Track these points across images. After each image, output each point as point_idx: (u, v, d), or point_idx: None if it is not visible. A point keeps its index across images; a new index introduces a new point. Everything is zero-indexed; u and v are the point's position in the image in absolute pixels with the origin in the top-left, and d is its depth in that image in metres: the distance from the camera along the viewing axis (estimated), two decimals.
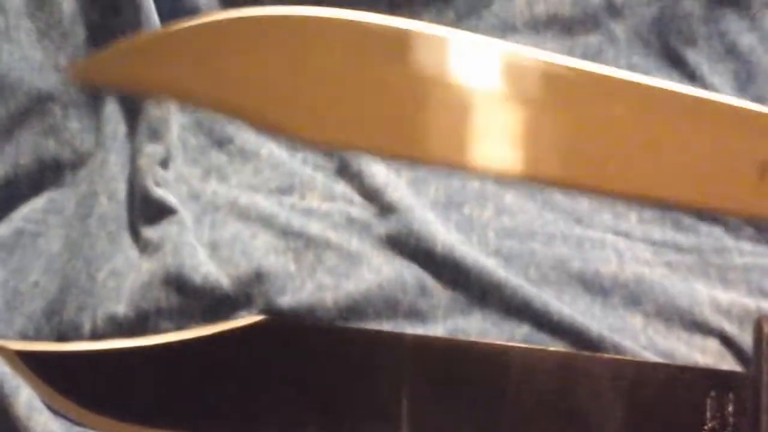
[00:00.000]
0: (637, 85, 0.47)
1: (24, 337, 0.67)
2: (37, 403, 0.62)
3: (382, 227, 0.68)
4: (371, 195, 0.70)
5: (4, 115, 0.74)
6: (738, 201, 0.46)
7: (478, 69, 0.47)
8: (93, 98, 0.77)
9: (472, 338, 0.64)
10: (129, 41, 0.49)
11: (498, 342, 0.63)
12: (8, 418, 0.63)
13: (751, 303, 0.67)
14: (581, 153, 0.47)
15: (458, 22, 0.82)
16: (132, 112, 0.77)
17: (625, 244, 0.68)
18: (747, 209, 0.46)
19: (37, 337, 0.67)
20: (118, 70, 0.48)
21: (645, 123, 0.47)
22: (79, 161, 0.75)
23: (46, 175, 0.75)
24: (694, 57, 0.80)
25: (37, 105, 0.75)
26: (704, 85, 0.79)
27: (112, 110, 0.76)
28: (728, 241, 0.68)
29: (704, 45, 0.80)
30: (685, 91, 0.47)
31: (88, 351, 0.64)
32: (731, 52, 0.80)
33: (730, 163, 0.46)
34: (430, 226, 0.67)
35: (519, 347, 0.62)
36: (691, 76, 0.79)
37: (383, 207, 0.69)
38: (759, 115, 0.46)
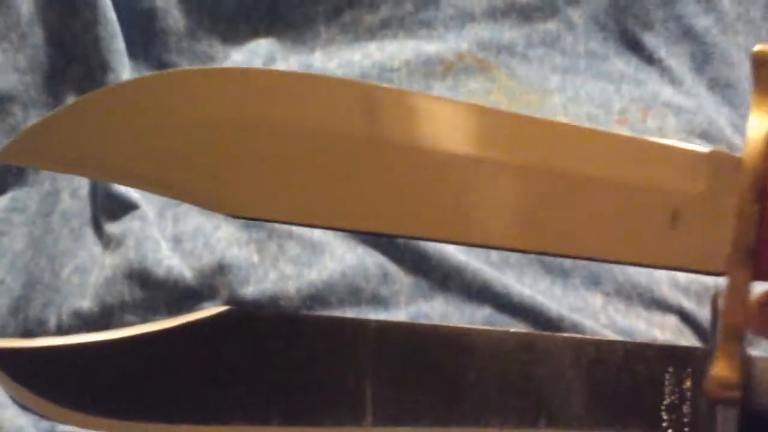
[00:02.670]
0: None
1: None
2: (3, 399, 0.62)
3: None
4: None
5: None
6: (648, 252, 0.44)
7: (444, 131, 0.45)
8: (53, 97, 0.77)
9: (434, 322, 0.64)
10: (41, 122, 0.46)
11: (459, 325, 0.63)
12: None
13: (709, 279, 0.67)
14: None
15: (416, 13, 0.82)
16: None
17: None
18: (658, 260, 0.44)
19: (3, 334, 0.67)
20: (41, 151, 0.45)
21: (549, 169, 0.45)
22: None
23: (9, 174, 0.75)
24: (651, 40, 0.80)
25: None
26: (662, 68, 0.80)
27: None
28: None
29: (661, 28, 0.81)
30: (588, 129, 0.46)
31: (53, 346, 0.64)
32: (688, 34, 0.81)
33: (639, 210, 0.44)
34: None
35: (480, 329, 0.62)
36: (649, 59, 0.80)
37: None
38: (670, 151, 0.44)
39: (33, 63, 0.77)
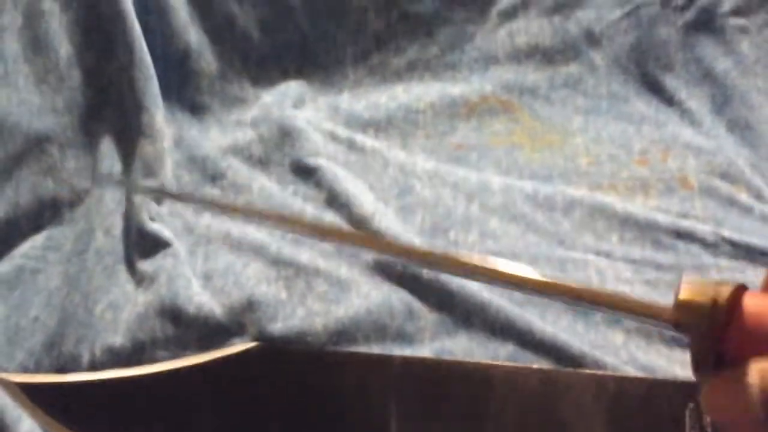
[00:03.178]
0: None
1: (25, 370, 0.69)
2: None
3: (369, 254, 0.70)
4: (359, 224, 0.72)
5: (3, 157, 0.77)
6: None
7: None
8: (89, 138, 0.79)
9: (458, 358, 0.65)
10: None
11: (483, 361, 0.64)
12: None
13: None
14: None
15: (441, 56, 0.84)
16: (127, 149, 0.80)
17: (606, 263, 0.70)
18: None
19: (38, 369, 0.69)
20: None
21: None
22: (76, 199, 0.78)
23: (45, 213, 0.77)
24: (671, 82, 0.82)
25: (35, 146, 0.78)
26: (682, 110, 0.81)
27: (107, 148, 0.79)
28: (706, 258, 0.70)
29: (681, 70, 0.82)
30: None
31: (86, 381, 0.66)
32: (708, 76, 0.82)
33: None
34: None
35: (503, 365, 0.64)
36: (669, 101, 0.82)
37: (371, 231, 0.71)
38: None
39: (70, 104, 0.79)
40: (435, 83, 0.84)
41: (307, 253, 0.71)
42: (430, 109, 0.81)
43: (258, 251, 0.72)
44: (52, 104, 0.78)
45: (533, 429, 0.61)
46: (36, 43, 0.80)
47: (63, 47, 0.80)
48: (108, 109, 0.81)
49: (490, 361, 0.64)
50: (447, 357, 0.66)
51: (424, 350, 0.66)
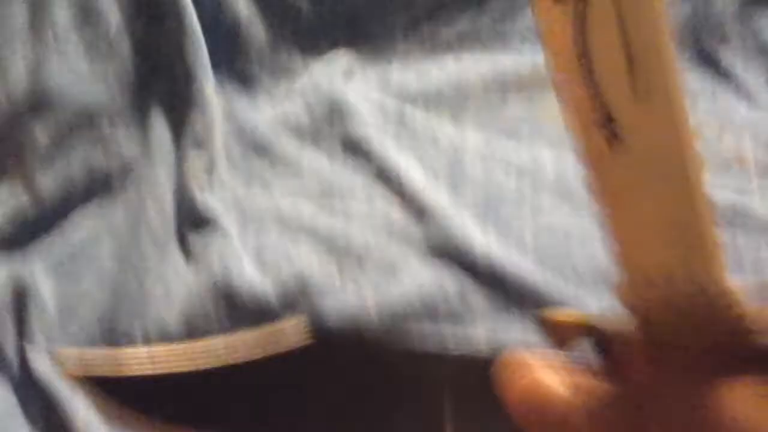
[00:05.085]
0: None
1: (77, 343, 0.69)
2: (94, 418, 0.64)
3: (420, 232, 0.70)
4: (409, 198, 0.72)
5: (53, 128, 0.76)
6: None
7: None
8: (138, 108, 0.79)
9: (513, 344, 0.65)
10: None
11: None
12: (66, 428, 0.65)
13: None
14: None
15: (493, 27, 0.83)
16: (177, 120, 0.79)
17: None
18: None
19: (90, 345, 0.69)
20: None
21: None
22: (127, 171, 0.77)
23: (97, 187, 0.77)
24: (727, 55, 0.80)
25: (85, 117, 0.78)
26: (737, 84, 0.79)
27: (157, 120, 0.78)
28: (763, 237, 0.69)
29: (737, 43, 0.80)
30: None
31: (145, 375, 0.66)
32: (764, 50, 0.80)
33: None
34: (467, 230, 0.69)
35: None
36: (725, 74, 0.80)
37: (421, 210, 0.71)
38: None
39: (120, 74, 0.79)
40: (486, 55, 0.82)
41: (358, 230, 0.71)
42: (481, 82, 0.80)
43: (309, 229, 0.71)
44: (102, 74, 0.78)
45: None
46: (86, 11, 0.79)
47: (113, 15, 0.79)
48: (157, 80, 0.80)
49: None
50: (502, 340, 0.65)
51: (478, 332, 0.66)
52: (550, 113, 0.78)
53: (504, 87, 0.81)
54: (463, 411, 0.63)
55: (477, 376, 0.63)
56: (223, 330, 0.68)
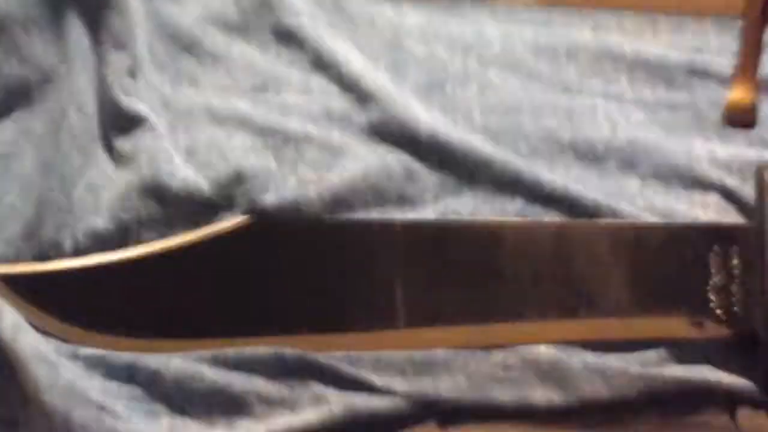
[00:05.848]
0: None
1: (4, 260, 0.64)
2: (23, 325, 0.60)
3: (362, 116, 0.66)
4: (349, 85, 0.67)
5: None
6: None
7: None
8: (53, 13, 0.73)
9: (464, 218, 0.61)
10: None
11: (490, 219, 0.60)
12: None
13: (752, 154, 0.64)
14: None
15: None
16: (94, 23, 0.74)
17: (616, 108, 0.66)
18: None
19: (17, 259, 0.64)
20: None
21: None
22: (45, 79, 0.72)
23: (14, 96, 0.72)
24: None
25: None
26: None
27: (73, 24, 0.73)
28: (723, 93, 0.65)
29: None
30: None
31: (71, 268, 0.62)
32: None
33: None
34: (411, 109, 0.65)
35: (512, 222, 0.60)
36: None
37: (362, 96, 0.67)
38: None
39: None
40: None
41: (296, 120, 0.66)
42: None
43: (243, 121, 0.67)
44: None
45: (548, 286, 0.58)
46: None
47: None
48: None
49: (498, 218, 0.60)
50: (452, 218, 0.62)
51: (427, 212, 0.63)
52: None
53: None
54: (414, 279, 0.60)
55: (427, 242, 0.60)
56: (157, 230, 0.64)
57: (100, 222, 0.64)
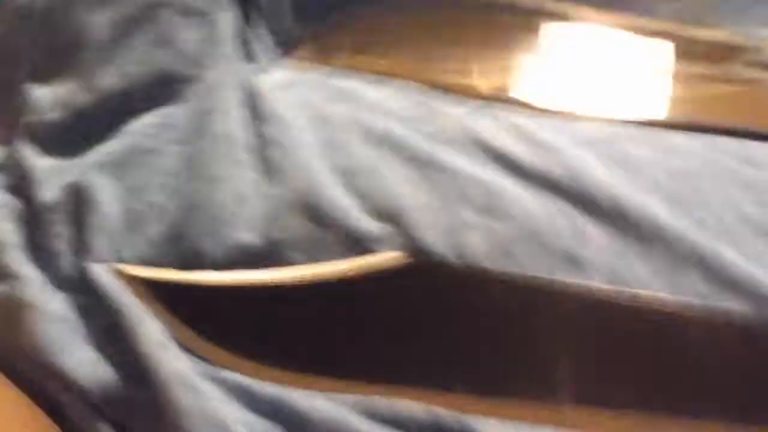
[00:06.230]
0: None
1: (146, 262, 0.62)
2: (167, 342, 0.58)
3: (533, 163, 0.62)
4: (518, 131, 0.64)
5: (114, 22, 0.69)
6: None
7: None
8: (210, 5, 0.70)
9: (635, 289, 0.58)
10: None
11: (668, 297, 0.57)
12: (133, 353, 0.58)
13: None
14: None
15: None
16: (246, 19, 0.71)
17: None
18: None
19: (159, 263, 0.62)
20: None
21: None
22: (193, 74, 0.69)
23: (159, 86, 0.69)
24: None
25: (149, 11, 0.69)
26: None
27: (229, 19, 0.70)
28: None
29: None
30: None
31: (219, 283, 0.60)
32: None
33: None
34: (586, 163, 0.62)
35: (695, 306, 0.56)
36: None
37: (534, 142, 0.63)
38: None
39: None
40: None
41: (460, 157, 0.63)
42: None
43: (402, 149, 0.64)
44: None
45: (736, 385, 0.54)
46: None
47: None
48: None
49: (679, 299, 0.56)
50: (621, 286, 0.58)
51: (594, 275, 0.59)
52: None
53: None
54: (582, 350, 0.57)
55: (595, 315, 0.57)
56: (307, 253, 0.61)
57: (248, 236, 0.61)
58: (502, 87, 0.68)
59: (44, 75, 0.69)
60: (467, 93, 0.67)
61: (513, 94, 0.67)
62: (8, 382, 0.59)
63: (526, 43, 0.71)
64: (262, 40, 0.71)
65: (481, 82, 0.68)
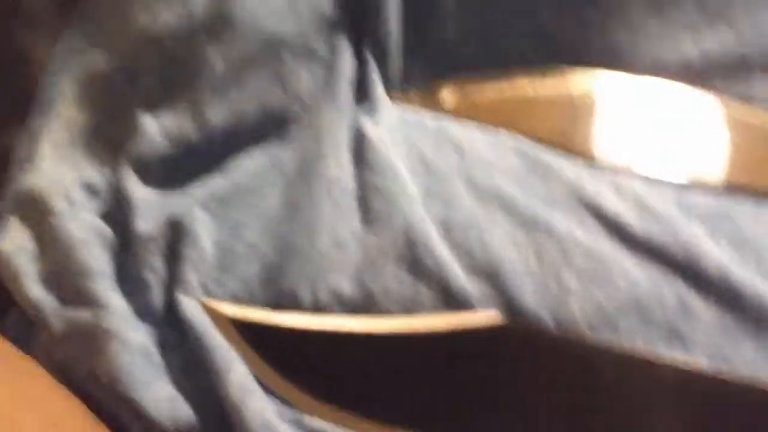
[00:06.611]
0: None
1: (237, 301, 0.61)
2: (252, 386, 0.57)
3: (641, 230, 0.60)
4: (628, 196, 0.62)
5: (233, 58, 0.68)
6: None
7: None
8: (329, 49, 0.70)
9: (743, 374, 0.55)
10: None
11: None
12: (216, 393, 0.58)
13: None
14: None
15: None
16: (362, 63, 0.71)
17: None
18: None
19: (251, 303, 0.61)
20: None
21: None
22: (305, 116, 0.69)
23: (270, 126, 0.69)
24: None
25: (268, 48, 0.69)
26: None
27: (347, 64, 0.70)
28: None
29: None
30: None
31: (310, 328, 0.59)
32: None
33: None
34: (698, 237, 0.59)
35: None
36: None
37: (642, 206, 0.61)
38: None
39: (313, 6, 0.70)
40: None
41: (564, 218, 0.61)
42: None
43: (506, 206, 0.62)
44: (294, 6, 0.69)
45: None
46: None
47: None
48: (346, 16, 0.71)
49: None
50: (727, 368, 0.56)
51: (698, 354, 0.57)
52: None
53: None
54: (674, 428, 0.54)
55: (696, 395, 0.55)
56: (403, 305, 0.59)
57: (346, 284, 0.61)
58: (609, 149, 0.66)
59: (157, 104, 0.69)
60: (576, 152, 0.65)
61: (621, 156, 0.65)
62: (82, 405, 0.59)
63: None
64: (375, 82, 0.70)
65: (587, 141, 0.67)
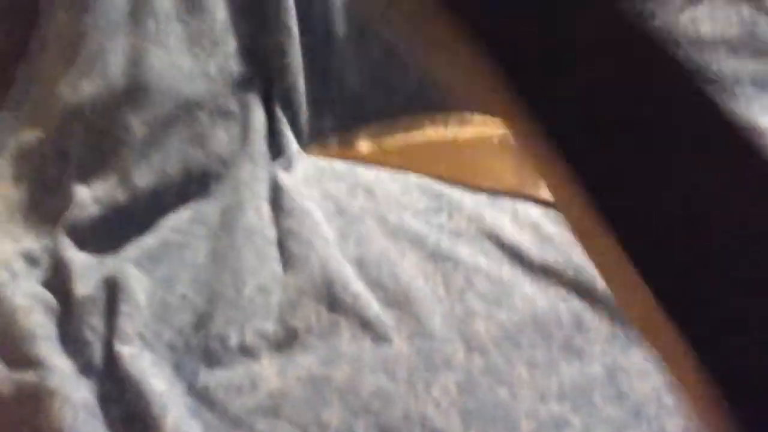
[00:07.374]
0: None
1: (172, 349, 0.65)
2: (187, 424, 0.61)
3: (537, 255, 0.66)
4: (525, 223, 0.68)
5: (152, 123, 0.73)
6: None
7: None
8: (241, 107, 0.75)
9: (634, 379, 0.60)
10: None
11: None
12: None
13: None
14: None
15: None
16: (275, 120, 0.76)
17: None
18: None
19: (186, 350, 0.65)
20: None
21: None
22: (224, 171, 0.74)
23: (192, 184, 0.74)
24: None
25: (185, 113, 0.74)
26: None
27: (259, 120, 0.75)
28: None
29: None
30: None
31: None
32: None
33: None
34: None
35: None
36: None
37: (538, 235, 0.66)
38: None
39: (222, 69, 0.75)
40: None
41: (467, 248, 0.67)
42: None
43: (415, 240, 0.67)
44: (204, 69, 0.74)
45: None
46: (190, 3, 0.76)
47: (218, 10, 0.76)
48: (258, 78, 0.76)
49: None
50: (621, 375, 0.61)
51: (594, 365, 0.62)
52: None
53: None
54: None
55: None
56: (323, 338, 0.64)
57: (270, 325, 0.65)
58: (511, 179, 0.71)
59: (87, 173, 0.73)
60: (479, 186, 0.70)
61: (520, 186, 0.70)
62: None
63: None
64: (287, 136, 0.75)
65: (491, 175, 0.72)
